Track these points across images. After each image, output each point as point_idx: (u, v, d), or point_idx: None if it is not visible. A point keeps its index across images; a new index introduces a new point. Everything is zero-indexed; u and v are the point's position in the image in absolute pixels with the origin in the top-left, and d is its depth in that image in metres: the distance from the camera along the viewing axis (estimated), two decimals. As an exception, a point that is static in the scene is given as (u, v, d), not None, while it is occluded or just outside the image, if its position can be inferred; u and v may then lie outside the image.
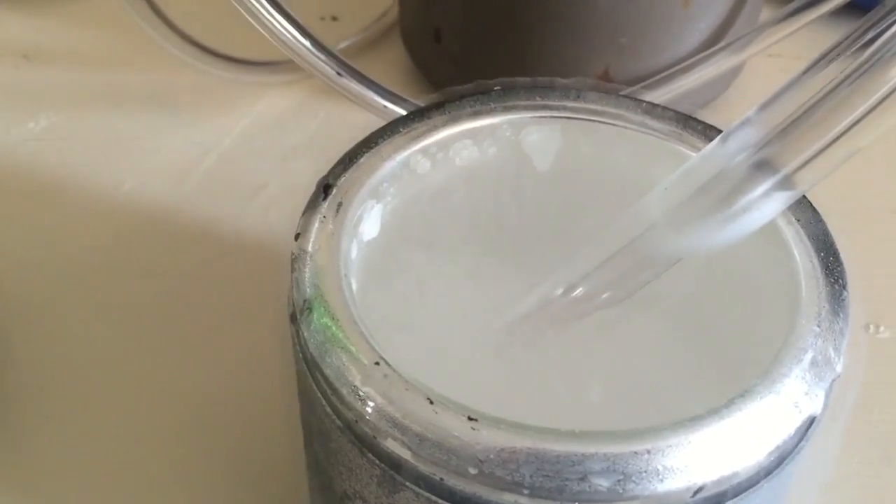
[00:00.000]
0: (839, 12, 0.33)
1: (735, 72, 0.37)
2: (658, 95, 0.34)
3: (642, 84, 0.34)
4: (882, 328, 0.29)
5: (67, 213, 0.33)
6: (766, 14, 0.37)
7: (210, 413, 0.27)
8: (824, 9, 0.34)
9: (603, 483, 0.15)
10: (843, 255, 0.31)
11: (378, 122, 0.21)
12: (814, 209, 0.19)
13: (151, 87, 0.37)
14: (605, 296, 0.20)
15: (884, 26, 0.17)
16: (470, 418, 0.15)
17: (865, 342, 0.29)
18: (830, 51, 0.18)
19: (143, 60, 0.38)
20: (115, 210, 0.33)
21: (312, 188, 0.20)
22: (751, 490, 0.16)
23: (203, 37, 0.34)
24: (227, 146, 0.35)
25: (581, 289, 0.20)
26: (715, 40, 0.35)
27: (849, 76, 0.17)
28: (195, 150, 0.35)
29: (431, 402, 0.16)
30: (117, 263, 0.31)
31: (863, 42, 0.18)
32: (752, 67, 0.37)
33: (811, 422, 0.17)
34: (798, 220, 0.19)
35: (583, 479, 0.15)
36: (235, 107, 0.37)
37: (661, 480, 0.15)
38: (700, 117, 0.22)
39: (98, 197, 0.33)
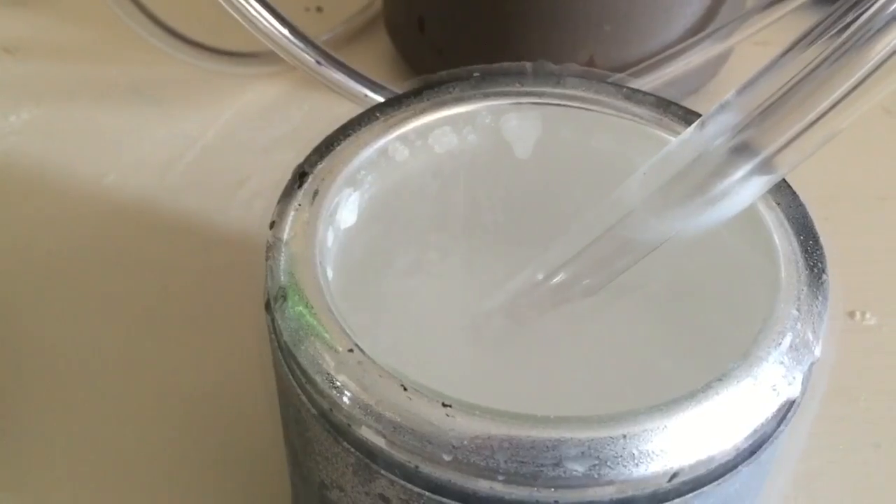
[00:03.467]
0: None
1: (722, 59, 0.37)
2: (644, 83, 0.34)
3: (629, 71, 0.34)
4: (868, 315, 0.29)
5: (49, 206, 0.32)
6: (751, 1, 0.36)
7: (193, 405, 0.27)
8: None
9: (578, 468, 0.15)
10: (828, 243, 0.31)
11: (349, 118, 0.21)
12: (794, 193, 0.19)
13: (134, 80, 0.37)
14: (585, 282, 0.20)
15: (861, 10, 0.17)
16: (444, 404, 0.15)
17: (851, 329, 0.29)
18: (808, 34, 0.18)
19: (125, 53, 0.38)
20: (97, 203, 0.32)
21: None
22: (729, 475, 0.16)
23: (184, 28, 0.34)
24: (210, 138, 0.35)
25: (561, 275, 0.20)
26: (701, 27, 0.35)
27: (826, 59, 0.17)
28: (178, 143, 0.35)
29: (405, 389, 0.16)
30: (100, 256, 0.31)
31: (840, 25, 0.17)
32: (740, 55, 0.37)
33: (790, 406, 0.16)
34: (778, 204, 0.19)
35: (557, 464, 0.15)
36: (219, 99, 0.36)
37: (637, 465, 0.15)
38: (687, 105, 0.22)
39: (81, 190, 0.33)
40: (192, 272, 0.30)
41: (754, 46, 0.37)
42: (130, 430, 0.26)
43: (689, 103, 0.22)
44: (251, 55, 0.36)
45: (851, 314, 0.29)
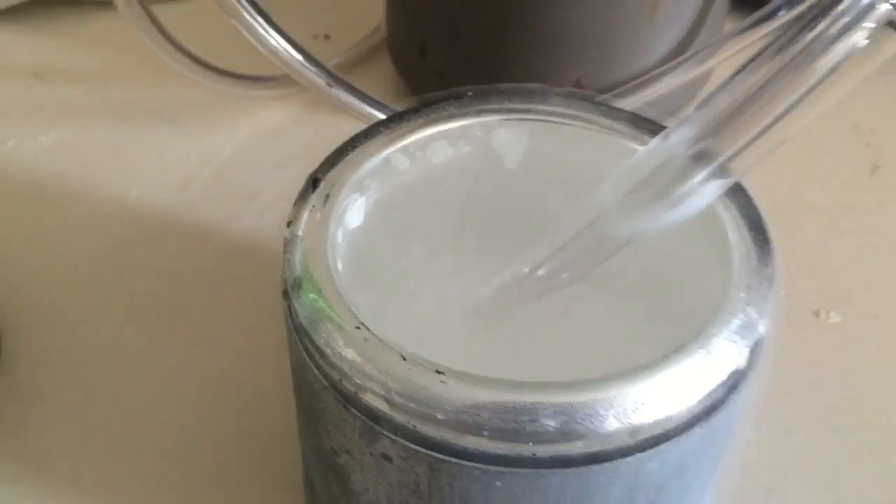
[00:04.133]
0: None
1: (701, 81, 0.39)
2: (627, 103, 0.36)
3: (613, 92, 0.37)
4: (832, 314, 0.31)
5: (79, 219, 0.35)
6: (729, 25, 0.39)
7: (211, 391, 0.29)
8: (784, 18, 0.37)
9: (552, 425, 0.17)
10: (798, 248, 0.33)
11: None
12: (747, 195, 0.22)
13: (155, 102, 0.40)
14: (565, 275, 0.22)
15: (799, 40, 0.20)
16: (438, 372, 0.18)
17: (816, 327, 0.31)
18: (755, 58, 0.21)
19: (147, 77, 0.40)
20: (123, 215, 0.35)
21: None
22: (684, 435, 0.18)
23: (203, 53, 0.37)
24: (226, 156, 0.38)
25: (544, 269, 0.22)
26: (680, 51, 0.37)
27: (771, 79, 0.19)
28: (196, 160, 0.37)
29: (405, 359, 0.18)
30: (126, 263, 0.33)
31: (784, 51, 0.20)
32: (718, 77, 0.40)
33: (738, 376, 0.19)
34: (734, 205, 0.21)
35: (534, 421, 0.17)
36: (234, 119, 0.39)
37: (603, 423, 0.17)
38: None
39: (107, 203, 0.35)
40: (210, 277, 0.33)
41: (732, 69, 0.40)
42: (156, 415, 0.28)
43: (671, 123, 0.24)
44: (264, 79, 0.39)
45: (816, 313, 0.31)
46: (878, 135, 0.39)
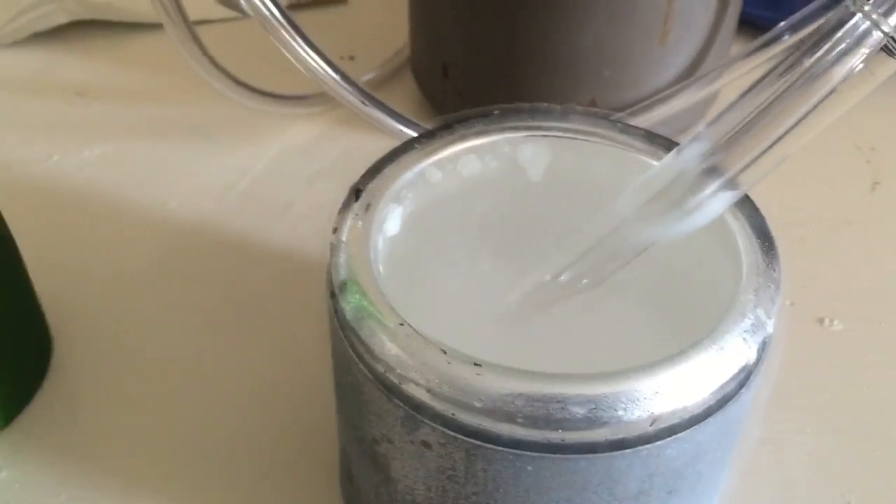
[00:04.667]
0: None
1: (710, 100, 0.41)
2: (639, 122, 0.38)
3: (626, 112, 0.39)
4: (836, 321, 0.33)
5: (122, 229, 0.37)
6: (735, 48, 0.41)
7: (247, 393, 0.31)
8: (788, 43, 0.39)
9: (579, 414, 0.19)
10: (802, 259, 0.35)
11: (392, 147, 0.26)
12: (755, 206, 0.24)
13: (192, 119, 0.42)
14: (584, 280, 0.24)
15: (800, 63, 0.21)
16: (475, 364, 0.20)
17: (820, 333, 0.33)
18: (762, 79, 0.22)
19: (184, 96, 0.42)
20: (162, 225, 0.37)
21: (335, 206, 0.24)
22: (699, 424, 0.20)
23: (236, 72, 0.39)
24: (259, 170, 0.40)
25: (565, 275, 0.24)
26: (690, 73, 0.39)
27: (775, 100, 0.21)
28: (231, 174, 0.39)
29: (445, 353, 0.20)
30: (167, 270, 0.35)
31: (787, 74, 0.22)
32: (726, 96, 0.42)
33: (748, 370, 0.21)
34: (742, 215, 0.23)
35: (563, 410, 0.19)
36: (267, 136, 0.41)
37: (625, 412, 0.19)
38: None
39: (148, 214, 0.37)
40: (247, 282, 0.35)
41: (738, 90, 0.42)
42: (197, 412, 0.30)
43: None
44: (295, 98, 0.41)
45: (821, 320, 0.33)
46: (879, 153, 0.41)
